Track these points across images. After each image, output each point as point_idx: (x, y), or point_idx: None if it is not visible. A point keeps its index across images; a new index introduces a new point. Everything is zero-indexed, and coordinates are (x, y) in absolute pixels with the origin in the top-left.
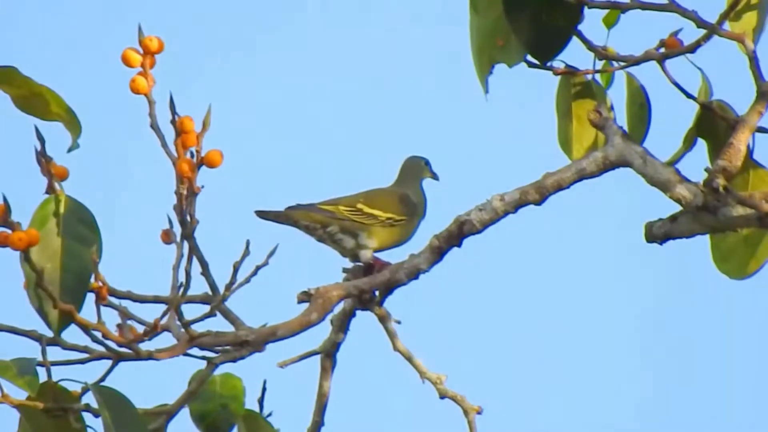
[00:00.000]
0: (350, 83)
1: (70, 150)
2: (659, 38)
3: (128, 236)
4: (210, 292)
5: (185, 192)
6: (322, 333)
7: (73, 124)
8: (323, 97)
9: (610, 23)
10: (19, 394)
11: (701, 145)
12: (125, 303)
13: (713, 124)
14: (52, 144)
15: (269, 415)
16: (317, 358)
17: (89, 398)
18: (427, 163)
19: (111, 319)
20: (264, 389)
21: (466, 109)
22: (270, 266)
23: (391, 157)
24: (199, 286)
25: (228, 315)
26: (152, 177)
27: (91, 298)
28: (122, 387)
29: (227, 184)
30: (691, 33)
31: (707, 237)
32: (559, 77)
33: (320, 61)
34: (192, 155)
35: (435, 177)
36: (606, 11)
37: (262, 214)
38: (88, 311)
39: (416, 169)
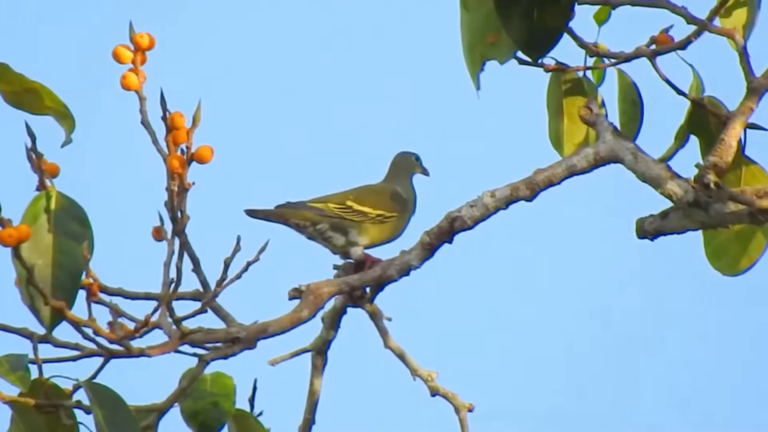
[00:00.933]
0: (341, 79)
1: (63, 145)
2: (650, 35)
3: (119, 233)
4: (201, 289)
5: (176, 188)
6: (313, 330)
7: (67, 118)
8: (313, 93)
9: (600, 20)
10: (11, 391)
11: (693, 141)
12: (116, 300)
13: (704, 121)
14: (42, 140)
15: (260, 414)
16: (308, 355)
17: (81, 395)
18: (418, 158)
19: (102, 316)
20: (255, 388)
21: (456, 105)
22: (261, 262)
23: (381, 153)
24: (190, 283)
25: (219, 312)
26: (143, 173)
27: (82, 295)
28: (113, 384)
29: (218, 181)
30: (681, 29)
31: (700, 233)
32: (549, 74)
33: (311, 57)
34: (183, 151)
35: (425, 173)
36: (597, 8)
37: (252, 213)
38: (79, 308)
39: (406, 165)
